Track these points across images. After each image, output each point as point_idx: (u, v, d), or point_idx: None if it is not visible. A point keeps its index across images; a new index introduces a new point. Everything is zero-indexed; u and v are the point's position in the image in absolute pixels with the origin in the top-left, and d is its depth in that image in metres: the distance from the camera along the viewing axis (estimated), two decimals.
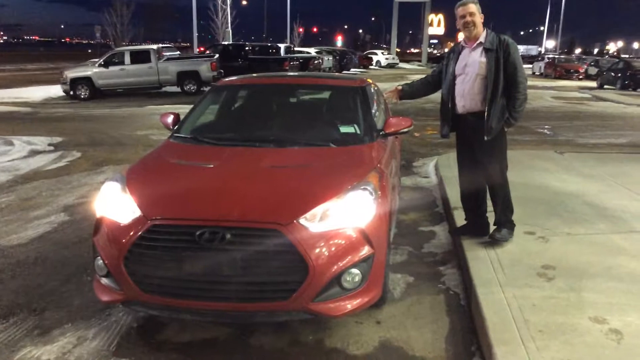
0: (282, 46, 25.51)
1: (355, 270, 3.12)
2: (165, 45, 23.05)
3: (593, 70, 32.55)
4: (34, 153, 9.48)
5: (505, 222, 4.43)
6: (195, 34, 29.64)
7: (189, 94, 19.34)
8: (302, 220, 3.04)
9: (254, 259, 2.96)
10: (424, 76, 4.79)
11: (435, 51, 60.45)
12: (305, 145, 3.90)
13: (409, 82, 4.77)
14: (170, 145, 4.14)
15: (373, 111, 4.53)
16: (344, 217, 3.15)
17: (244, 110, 4.77)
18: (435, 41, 73.34)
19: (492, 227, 4.46)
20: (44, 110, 16.75)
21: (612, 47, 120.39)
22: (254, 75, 5.37)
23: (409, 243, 4.84)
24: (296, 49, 29.67)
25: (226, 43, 26.69)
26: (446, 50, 4.32)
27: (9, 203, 6.20)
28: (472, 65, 4.20)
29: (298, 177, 3.44)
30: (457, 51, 4.36)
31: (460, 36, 4.48)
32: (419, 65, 46.54)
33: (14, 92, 20.91)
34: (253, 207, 3.12)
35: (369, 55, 45.68)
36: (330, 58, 29.61)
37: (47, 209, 5.94)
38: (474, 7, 4.17)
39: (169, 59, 20.06)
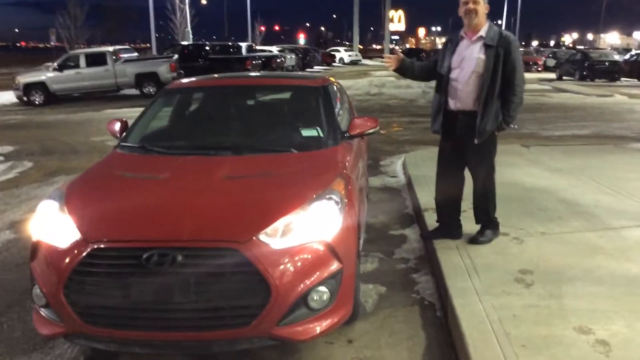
0: (243, 45, 25.03)
1: (322, 288, 2.86)
2: (123, 47, 22.32)
3: (552, 62, 33.10)
4: None
5: (489, 222, 4.25)
6: (154, 35, 28.88)
7: (148, 97, 18.72)
8: (262, 237, 2.76)
9: (210, 283, 2.66)
10: (423, 61, 4.46)
11: (397, 47, 60.76)
12: (265, 152, 3.61)
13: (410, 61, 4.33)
14: (116, 155, 3.79)
15: (336, 112, 4.26)
16: (308, 230, 2.88)
17: (197, 114, 4.44)
18: (396, 37, 73.83)
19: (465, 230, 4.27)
20: None
21: (568, 39, 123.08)
22: (210, 76, 5.03)
23: (380, 249, 4.60)
24: (258, 47, 29.24)
25: (185, 43, 26.07)
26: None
27: None
28: (468, 60, 3.92)
29: (256, 188, 3.15)
30: (454, 42, 4.05)
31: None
32: (382, 62, 46.65)
33: None
34: (206, 224, 2.82)
35: (332, 53, 45.47)
36: (293, 56, 29.29)
37: None
38: None
39: (127, 60, 19.44)
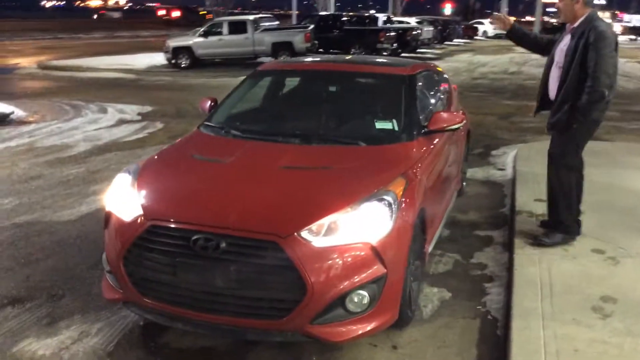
0: (380, 17, 24.69)
1: (362, 292, 2.78)
2: (265, 15, 23.13)
3: None
4: (121, 122, 9.86)
5: (558, 224, 4.04)
6: (295, 3, 29.45)
7: None
8: (304, 233, 2.73)
9: (249, 272, 2.71)
10: (540, 34, 4.57)
11: (553, 20, 55.24)
12: (332, 143, 3.54)
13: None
14: (195, 135, 3.95)
15: (422, 103, 4.05)
16: (354, 231, 2.80)
17: (278, 99, 4.46)
18: (553, 9, 67.65)
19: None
20: (146, 78, 17.51)
21: None
22: (299, 59, 5.00)
23: (458, 250, 4.36)
24: (397, 19, 28.63)
25: (324, 14, 26.27)
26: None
27: (76, 175, 6.41)
28: (559, 52, 3.99)
29: (311, 181, 3.11)
30: (563, 34, 4.06)
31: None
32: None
33: (125, 58, 22.04)
34: (253, 214, 2.85)
35: (474, 25, 43.16)
36: (431, 29, 28.24)
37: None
38: None
39: (265, 29, 20.12)
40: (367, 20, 23.93)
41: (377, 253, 2.80)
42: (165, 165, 3.50)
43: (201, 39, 19.69)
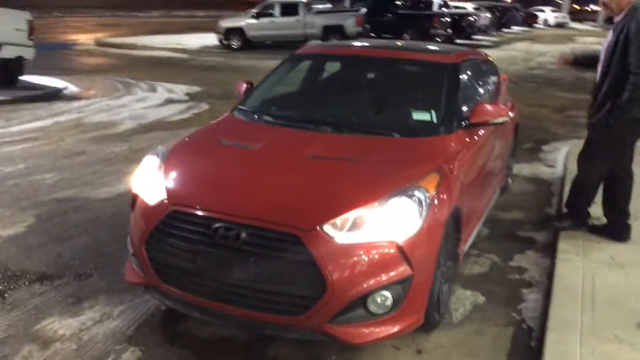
0: (436, 1, 24.01)
1: (386, 293, 2.65)
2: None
3: None
4: (168, 102, 9.97)
5: (573, 209, 4.23)
6: None
7: None
8: (327, 227, 2.61)
9: (268, 265, 2.61)
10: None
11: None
12: (365, 133, 3.38)
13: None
14: (227, 119, 3.86)
15: (464, 94, 3.82)
16: (380, 227, 2.66)
17: (314, 84, 4.31)
18: None
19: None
20: (198, 58, 17.69)
21: None
22: (339, 44, 4.81)
23: (497, 251, 4.14)
24: (453, 4, 27.77)
25: None
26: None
27: (118, 153, 6.49)
28: (603, 50, 3.83)
29: (338, 173, 2.97)
30: (610, 32, 3.84)
31: None
32: (593, 26, 41.02)
33: (179, 38, 22.35)
34: (275, 205, 2.75)
35: (535, 13, 41.42)
36: (488, 15, 27.22)
37: None
38: None
39: (317, 12, 19.92)
40: (421, 5, 23.32)
41: (403, 253, 2.65)
42: (193, 149, 3.44)
43: (253, 21, 19.71)
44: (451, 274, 3.32)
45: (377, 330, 2.69)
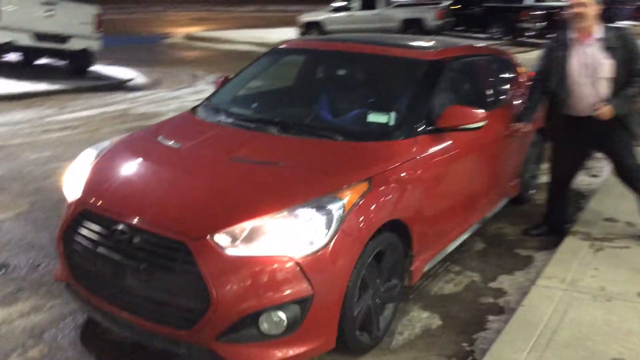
0: None
1: (280, 313, 2.40)
2: None
3: None
4: None
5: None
6: None
7: None
8: (218, 237, 2.40)
9: (158, 274, 2.45)
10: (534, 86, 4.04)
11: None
12: (310, 135, 3.08)
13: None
14: (183, 115, 3.72)
15: (444, 96, 3.41)
16: (280, 240, 2.41)
17: (282, 81, 4.04)
18: None
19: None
20: None
21: None
22: (320, 38, 4.45)
23: (483, 269, 3.70)
24: None
25: None
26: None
27: None
28: (594, 67, 3.65)
29: (250, 178, 2.73)
30: (564, 44, 3.75)
31: None
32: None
33: (263, 32, 22.63)
34: (171, 210, 2.57)
35: None
36: None
37: None
38: None
39: (398, 5, 19.37)
40: None
41: (303, 270, 2.38)
42: (129, 145, 3.31)
43: (332, 15, 19.54)
44: (396, 292, 2.98)
45: (274, 352, 2.44)
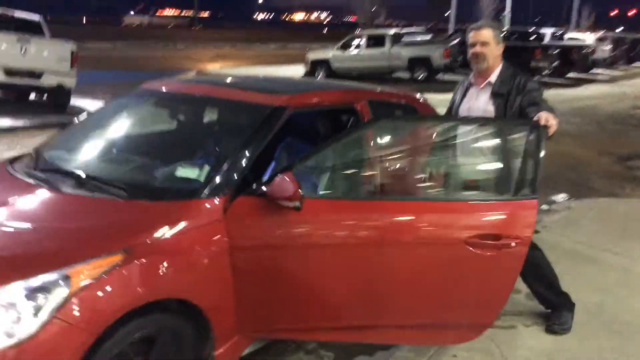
0: (548, 32, 21.89)
1: None
2: (413, 30, 22.02)
3: None
4: None
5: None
6: (454, 17, 27.46)
7: (417, 81, 18.07)
8: None
9: None
10: None
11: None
12: (93, 191, 2.60)
13: None
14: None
15: (293, 150, 2.93)
16: None
17: (117, 129, 3.44)
18: None
19: None
20: None
21: None
22: (181, 80, 3.81)
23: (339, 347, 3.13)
24: (572, 35, 25.13)
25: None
26: None
27: None
28: (476, 112, 3.23)
29: None
30: (463, 88, 3.39)
31: None
32: None
33: (274, 69, 22.54)
34: None
35: None
36: (608, 47, 24.07)
37: None
38: (488, 35, 3.16)
39: (405, 44, 19.06)
40: (530, 37, 21.42)
41: None
42: None
43: (339, 52, 19.37)
44: None
45: None
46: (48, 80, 10.08)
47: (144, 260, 2.22)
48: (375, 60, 18.97)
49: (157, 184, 2.73)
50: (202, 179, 2.65)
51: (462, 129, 3.09)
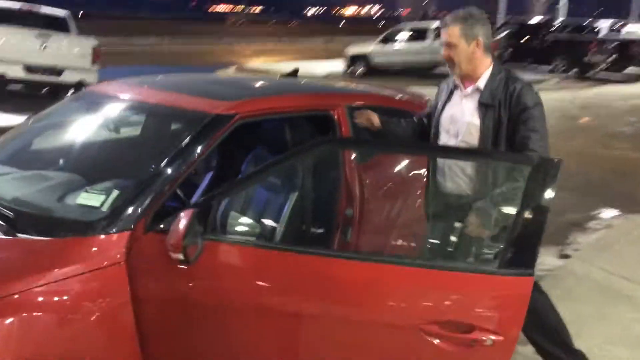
0: (604, 25, 20.43)
1: None
2: None
3: None
4: None
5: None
6: (504, 7, 26.05)
7: None
8: None
9: None
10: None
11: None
12: None
13: None
14: None
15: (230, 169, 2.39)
16: None
17: (38, 140, 2.96)
18: None
19: None
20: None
21: None
22: (127, 82, 3.20)
23: None
24: (630, 28, 23.37)
25: (533, 21, 22.72)
26: None
27: None
28: (459, 123, 2.64)
29: None
30: (447, 89, 2.76)
31: None
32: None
33: (314, 65, 22.03)
34: None
35: None
36: None
37: None
38: (454, 33, 2.53)
39: None
40: (584, 30, 20.06)
41: None
42: None
43: (379, 47, 18.70)
44: None
45: None
46: (69, 77, 9.95)
47: (11, 319, 1.74)
48: (416, 55, 18.19)
49: (52, 213, 2.24)
50: (105, 207, 2.15)
51: (438, 162, 2.50)
